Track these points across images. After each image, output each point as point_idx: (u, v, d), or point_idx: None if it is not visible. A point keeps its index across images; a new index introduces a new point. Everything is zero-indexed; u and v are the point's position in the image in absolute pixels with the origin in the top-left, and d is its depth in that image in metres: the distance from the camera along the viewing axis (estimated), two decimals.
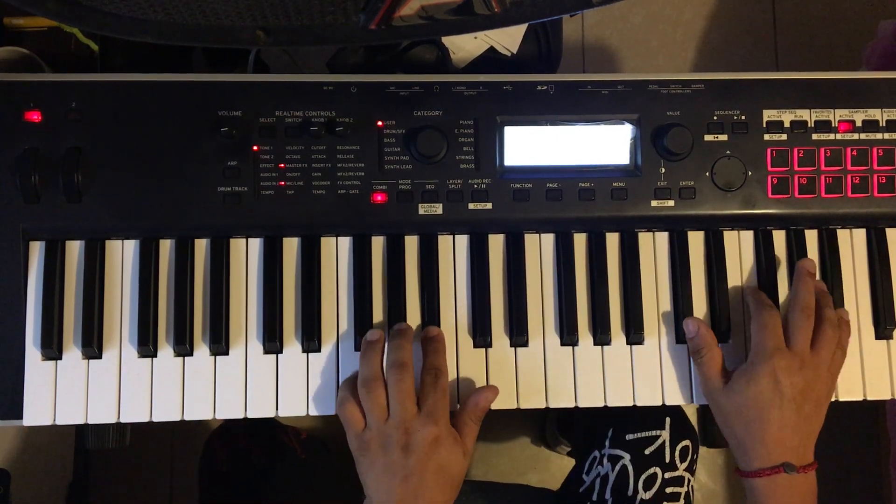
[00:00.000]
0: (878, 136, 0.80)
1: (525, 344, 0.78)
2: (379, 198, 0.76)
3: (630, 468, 0.87)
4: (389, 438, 0.70)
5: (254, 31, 0.63)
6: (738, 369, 0.74)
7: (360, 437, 0.71)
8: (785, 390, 0.71)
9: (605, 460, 0.90)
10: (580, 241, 0.80)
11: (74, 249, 0.76)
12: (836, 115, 0.79)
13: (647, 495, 0.87)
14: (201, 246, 0.77)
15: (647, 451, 0.88)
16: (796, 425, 0.72)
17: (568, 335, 0.78)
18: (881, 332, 0.80)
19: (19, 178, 0.72)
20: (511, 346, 0.78)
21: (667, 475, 0.87)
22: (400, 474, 0.69)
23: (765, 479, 0.71)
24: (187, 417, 0.75)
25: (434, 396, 0.71)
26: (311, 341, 0.76)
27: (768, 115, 0.79)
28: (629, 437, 0.89)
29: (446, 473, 0.71)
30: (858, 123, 0.79)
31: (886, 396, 0.80)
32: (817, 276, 0.80)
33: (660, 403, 0.78)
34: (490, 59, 0.94)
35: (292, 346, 0.76)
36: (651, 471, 0.87)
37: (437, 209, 0.76)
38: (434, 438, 0.70)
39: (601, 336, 0.78)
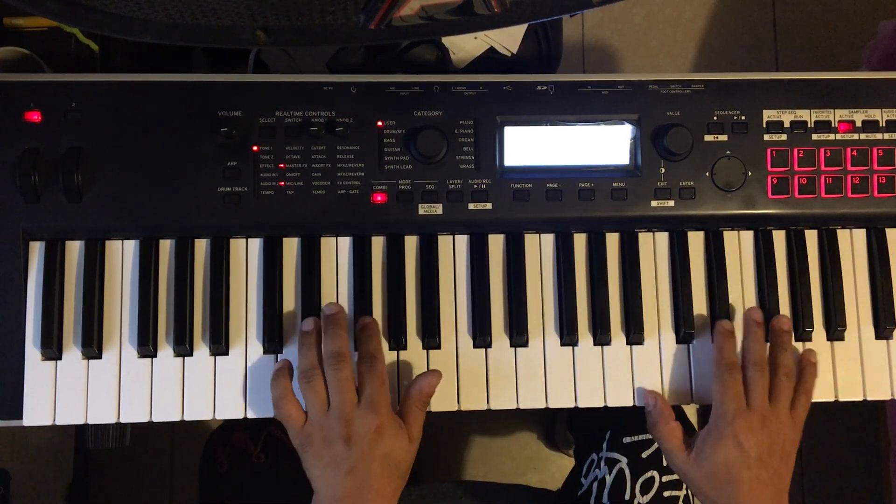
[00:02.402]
0: (878, 136, 0.80)
1: (525, 344, 0.78)
2: (379, 198, 0.76)
3: (627, 472, 0.87)
4: (331, 431, 0.69)
5: (254, 31, 0.63)
6: (699, 436, 0.74)
7: (302, 431, 0.71)
8: (750, 451, 0.71)
9: (602, 463, 0.90)
10: (580, 241, 0.80)
11: (74, 249, 0.76)
12: (836, 115, 0.79)
13: (645, 499, 0.87)
14: (201, 246, 0.77)
15: (644, 455, 0.88)
16: (768, 481, 0.72)
17: (568, 335, 0.78)
18: (881, 332, 0.80)
19: (19, 178, 0.72)
20: (511, 346, 0.78)
21: (664, 479, 0.87)
22: (344, 467, 0.69)
23: None
24: (187, 417, 0.75)
25: (372, 385, 0.70)
26: None
27: (768, 115, 0.79)
28: (626, 440, 0.89)
29: (391, 462, 0.70)
30: (858, 123, 0.79)
31: (886, 396, 0.80)
32: (817, 276, 0.80)
33: None
34: (490, 59, 0.94)
35: (292, 346, 0.76)
36: (648, 474, 0.87)
37: (437, 209, 0.76)
38: (376, 428, 0.69)
39: (601, 336, 0.78)
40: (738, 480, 0.71)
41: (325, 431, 0.70)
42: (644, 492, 0.87)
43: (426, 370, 0.76)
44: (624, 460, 0.88)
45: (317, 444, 0.70)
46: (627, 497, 0.87)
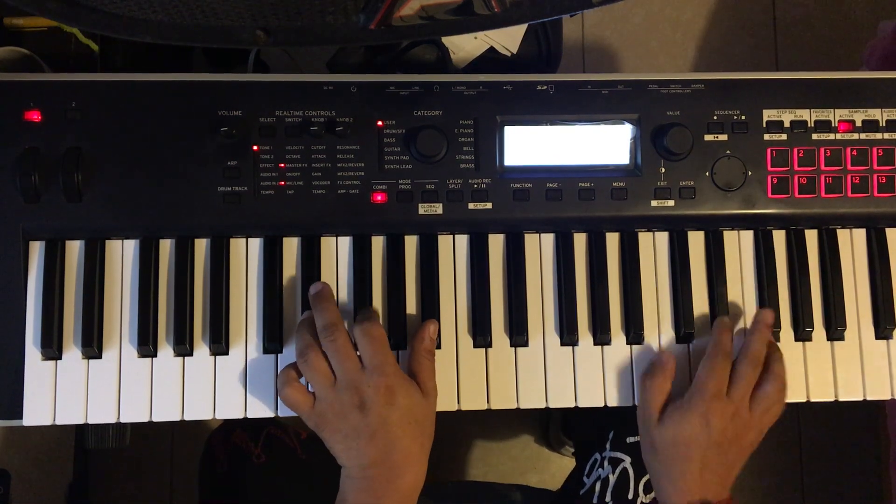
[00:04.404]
0: (878, 136, 0.80)
1: (525, 344, 0.78)
2: (379, 198, 0.76)
3: (631, 471, 0.87)
4: (343, 403, 0.69)
5: (254, 31, 0.63)
6: (673, 404, 0.74)
7: (313, 412, 0.70)
8: (714, 433, 0.72)
9: (605, 463, 0.90)
10: (580, 241, 0.80)
11: (74, 249, 0.76)
12: (836, 115, 0.79)
13: (648, 498, 0.87)
14: (201, 246, 0.77)
15: None
16: (717, 468, 0.72)
17: (568, 335, 0.78)
18: (881, 332, 0.80)
19: (19, 178, 0.72)
20: (511, 345, 0.78)
21: None
22: (365, 435, 0.68)
23: None
24: (187, 417, 0.75)
25: (372, 347, 0.70)
26: None
27: (768, 115, 0.79)
28: (630, 439, 0.89)
29: (411, 419, 0.70)
30: (858, 123, 0.79)
31: (886, 396, 0.80)
32: (817, 276, 0.80)
33: None
34: (490, 59, 0.94)
35: (293, 346, 0.76)
36: None
37: (437, 209, 0.76)
38: (386, 388, 0.68)
39: (601, 336, 0.78)
40: (691, 458, 0.72)
41: (337, 405, 0.69)
42: (647, 491, 0.87)
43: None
44: (627, 459, 0.88)
45: (332, 419, 0.69)
46: (630, 496, 0.87)
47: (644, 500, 0.87)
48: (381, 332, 0.72)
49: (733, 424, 0.73)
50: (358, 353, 0.72)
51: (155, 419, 0.75)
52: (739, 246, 0.81)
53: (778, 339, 0.80)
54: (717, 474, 0.73)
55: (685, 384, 0.78)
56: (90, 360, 0.75)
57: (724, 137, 0.78)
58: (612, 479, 0.88)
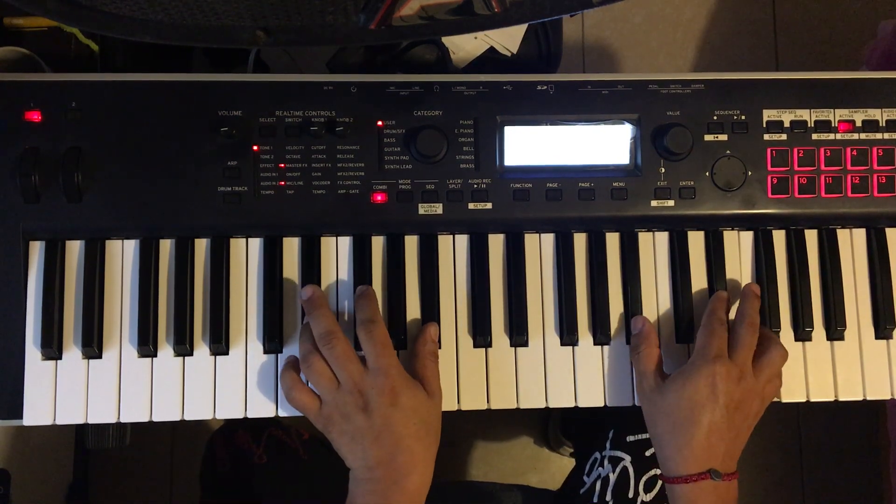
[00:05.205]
0: (878, 136, 0.80)
1: (525, 344, 0.78)
2: (379, 198, 0.76)
3: (631, 470, 0.87)
4: (347, 405, 0.69)
5: (254, 31, 0.63)
6: (677, 370, 0.74)
7: (320, 415, 0.71)
8: (720, 396, 0.71)
9: (605, 462, 0.90)
10: (580, 241, 0.80)
11: (74, 249, 0.76)
12: (836, 115, 0.79)
13: (648, 497, 0.87)
14: (201, 246, 0.77)
15: (647, 453, 0.87)
16: (724, 433, 0.71)
17: (568, 335, 0.78)
18: (881, 332, 0.80)
19: (19, 178, 0.72)
20: (511, 345, 0.78)
21: None
22: (369, 436, 0.69)
23: (690, 485, 0.70)
24: (187, 417, 0.75)
25: (374, 349, 0.70)
26: None
27: (768, 115, 0.79)
28: (630, 438, 0.89)
29: (415, 420, 0.70)
30: (858, 123, 0.79)
31: (886, 396, 0.80)
32: (817, 276, 0.80)
33: None
34: (490, 59, 0.94)
35: (293, 346, 0.76)
36: (652, 472, 0.87)
37: (437, 209, 0.76)
38: (389, 390, 0.69)
39: (601, 336, 0.78)
40: (698, 422, 0.70)
41: (342, 407, 0.69)
42: (647, 489, 0.87)
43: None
44: (627, 458, 0.88)
45: (337, 421, 0.70)
46: (631, 495, 0.87)
47: (645, 499, 0.87)
48: (384, 334, 0.72)
49: (739, 388, 0.72)
50: (361, 352, 0.72)
51: (155, 419, 0.75)
52: (739, 246, 0.81)
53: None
54: (724, 440, 0.71)
55: None
56: (90, 360, 0.75)
57: (724, 137, 0.78)
58: (613, 477, 0.88)
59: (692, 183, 0.78)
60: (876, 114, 0.80)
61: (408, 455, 0.69)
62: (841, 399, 0.80)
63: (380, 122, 0.76)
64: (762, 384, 0.74)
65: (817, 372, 0.80)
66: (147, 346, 0.74)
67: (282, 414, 0.76)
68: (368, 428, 0.69)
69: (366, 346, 0.71)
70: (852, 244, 0.82)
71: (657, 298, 0.79)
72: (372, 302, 0.74)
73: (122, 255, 0.76)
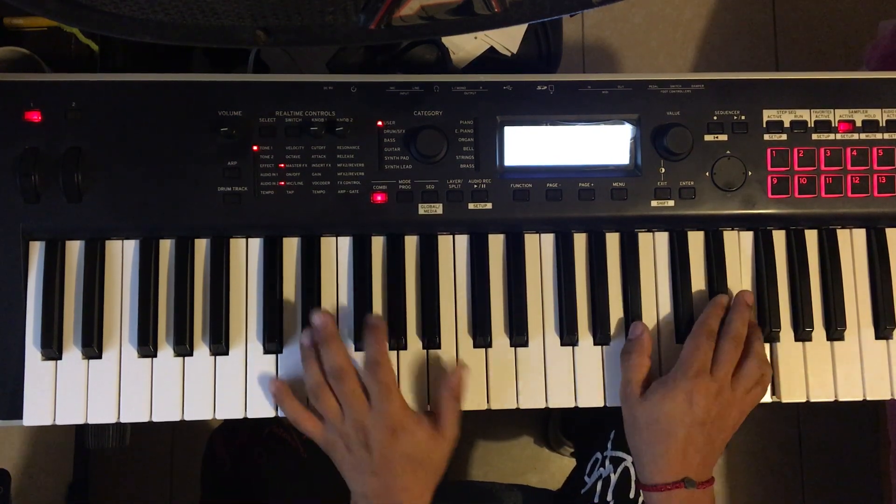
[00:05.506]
0: (878, 136, 0.80)
1: (525, 344, 0.78)
2: (379, 198, 0.76)
3: (632, 470, 0.87)
4: (349, 437, 0.72)
5: (254, 31, 0.63)
6: (657, 381, 0.75)
7: (325, 439, 0.73)
8: (697, 412, 0.72)
9: (607, 462, 0.90)
10: (580, 241, 0.80)
11: (74, 249, 0.76)
12: (836, 115, 0.79)
13: None
14: (201, 246, 0.77)
15: None
16: (700, 446, 0.73)
17: (568, 335, 0.78)
18: (881, 332, 0.80)
19: (19, 178, 0.72)
20: (511, 346, 0.78)
21: None
22: (368, 469, 0.71)
23: (665, 493, 0.72)
24: (187, 417, 0.75)
25: (379, 391, 0.71)
26: None
27: (768, 115, 0.79)
28: None
29: (414, 460, 0.71)
30: (858, 123, 0.79)
31: (886, 396, 0.80)
32: (817, 276, 0.80)
33: None
34: (490, 59, 0.94)
35: (293, 346, 0.76)
36: None
37: (437, 209, 0.76)
38: (391, 430, 0.70)
39: (601, 336, 0.78)
40: (674, 436, 0.72)
41: (345, 438, 0.72)
42: None
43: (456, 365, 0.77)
44: (629, 459, 0.88)
45: (339, 449, 0.72)
46: (632, 496, 0.87)
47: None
48: (390, 377, 0.73)
49: (717, 403, 0.73)
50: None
51: (155, 419, 0.75)
52: (739, 246, 0.81)
53: (778, 339, 0.80)
54: (700, 453, 0.73)
55: None
56: (90, 361, 0.75)
57: (724, 137, 0.78)
58: (614, 478, 0.88)
59: (692, 183, 0.78)
60: (876, 114, 0.80)
61: (402, 491, 0.71)
62: (841, 399, 0.80)
63: (380, 122, 0.76)
64: (740, 395, 0.75)
65: (817, 372, 0.80)
66: (147, 347, 0.74)
67: (282, 414, 0.76)
68: (368, 462, 0.71)
69: (370, 387, 0.72)
70: (852, 244, 0.82)
71: (657, 299, 0.79)
72: (380, 340, 0.74)
73: (122, 255, 0.76)
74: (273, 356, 0.76)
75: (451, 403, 0.74)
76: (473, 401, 0.77)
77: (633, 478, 0.87)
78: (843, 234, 0.81)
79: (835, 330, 0.80)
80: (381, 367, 0.72)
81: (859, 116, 0.80)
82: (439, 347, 0.77)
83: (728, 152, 0.78)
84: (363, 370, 0.73)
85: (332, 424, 0.72)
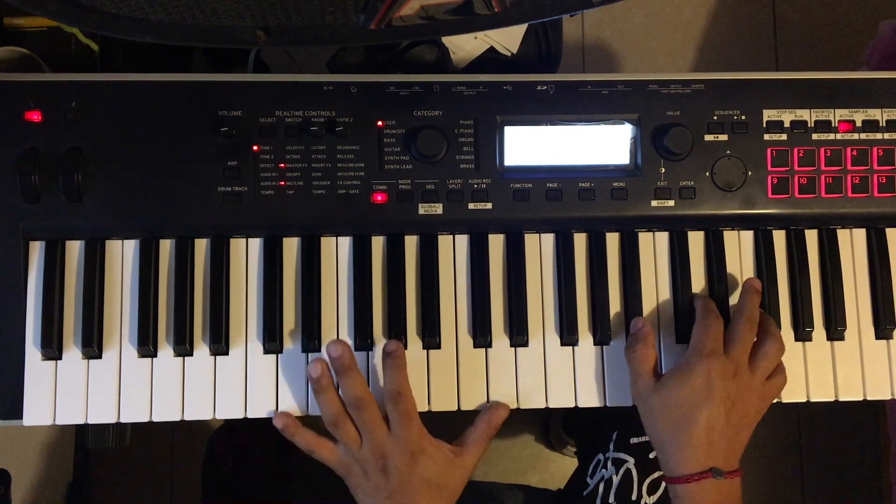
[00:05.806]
0: (878, 136, 0.80)
1: (525, 344, 0.78)
2: (379, 198, 0.76)
3: (634, 472, 0.87)
4: (367, 463, 0.72)
5: (254, 31, 0.63)
6: (671, 369, 0.74)
7: (341, 464, 0.73)
8: (716, 392, 0.70)
9: (609, 464, 0.90)
10: (580, 241, 0.80)
11: (74, 249, 0.76)
12: (836, 115, 0.79)
13: (652, 500, 0.86)
14: (201, 246, 0.77)
15: (651, 456, 0.87)
16: (724, 430, 0.71)
17: (568, 335, 0.78)
18: (881, 332, 0.80)
19: (19, 178, 0.72)
20: (511, 346, 0.78)
21: None
22: (384, 493, 0.71)
23: (692, 485, 0.70)
24: (187, 417, 0.75)
25: (400, 421, 0.72)
26: (311, 341, 0.76)
27: (768, 115, 0.79)
28: (634, 440, 0.89)
29: (431, 485, 0.72)
30: (858, 123, 0.79)
31: (886, 396, 0.80)
32: (817, 276, 0.80)
33: None
34: (490, 59, 0.94)
35: (292, 346, 0.76)
36: (655, 475, 0.86)
37: (437, 209, 0.76)
38: (410, 456, 0.71)
39: (601, 336, 0.78)
40: (696, 420, 0.70)
41: (362, 464, 0.72)
42: (651, 492, 0.86)
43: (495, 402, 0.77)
44: (631, 461, 0.88)
45: (356, 474, 0.73)
46: (634, 497, 0.87)
47: (648, 502, 0.86)
48: (411, 407, 0.73)
49: (736, 384, 0.72)
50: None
51: (155, 419, 0.75)
52: (739, 246, 0.81)
53: None
54: (724, 438, 0.71)
55: None
56: (90, 361, 0.75)
57: (724, 137, 0.78)
58: (616, 480, 0.88)
59: (692, 183, 0.78)
60: (876, 114, 0.80)
61: None
62: (841, 399, 0.80)
63: (380, 122, 0.76)
64: (759, 379, 0.74)
65: (817, 372, 0.80)
66: (147, 347, 0.74)
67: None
68: (384, 486, 0.71)
69: (392, 416, 0.73)
70: (852, 244, 0.82)
71: (657, 298, 0.79)
72: (401, 371, 0.74)
73: (122, 255, 0.76)
74: (273, 356, 0.76)
75: (484, 439, 0.75)
76: (473, 401, 0.77)
77: (636, 480, 0.87)
78: (843, 234, 0.81)
79: (835, 330, 0.80)
80: (403, 398, 0.73)
81: (859, 116, 0.80)
82: (439, 347, 0.77)
83: (728, 152, 0.78)
84: (384, 399, 0.73)
85: (349, 450, 0.73)
